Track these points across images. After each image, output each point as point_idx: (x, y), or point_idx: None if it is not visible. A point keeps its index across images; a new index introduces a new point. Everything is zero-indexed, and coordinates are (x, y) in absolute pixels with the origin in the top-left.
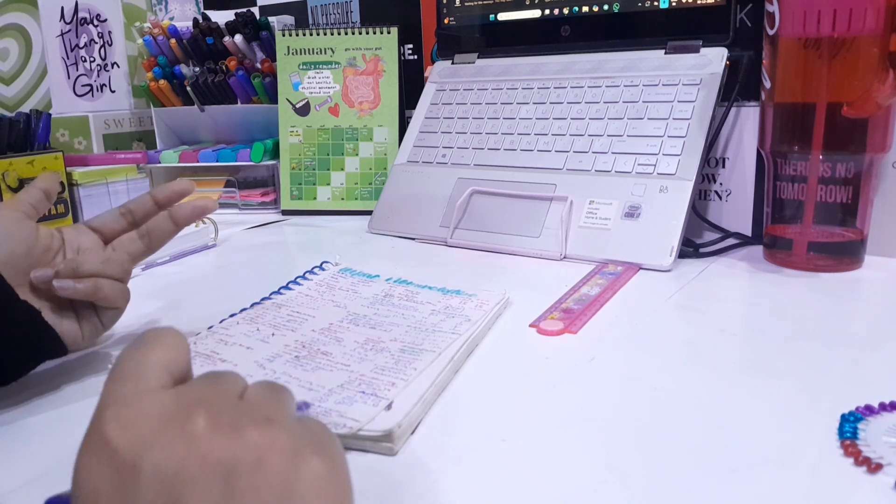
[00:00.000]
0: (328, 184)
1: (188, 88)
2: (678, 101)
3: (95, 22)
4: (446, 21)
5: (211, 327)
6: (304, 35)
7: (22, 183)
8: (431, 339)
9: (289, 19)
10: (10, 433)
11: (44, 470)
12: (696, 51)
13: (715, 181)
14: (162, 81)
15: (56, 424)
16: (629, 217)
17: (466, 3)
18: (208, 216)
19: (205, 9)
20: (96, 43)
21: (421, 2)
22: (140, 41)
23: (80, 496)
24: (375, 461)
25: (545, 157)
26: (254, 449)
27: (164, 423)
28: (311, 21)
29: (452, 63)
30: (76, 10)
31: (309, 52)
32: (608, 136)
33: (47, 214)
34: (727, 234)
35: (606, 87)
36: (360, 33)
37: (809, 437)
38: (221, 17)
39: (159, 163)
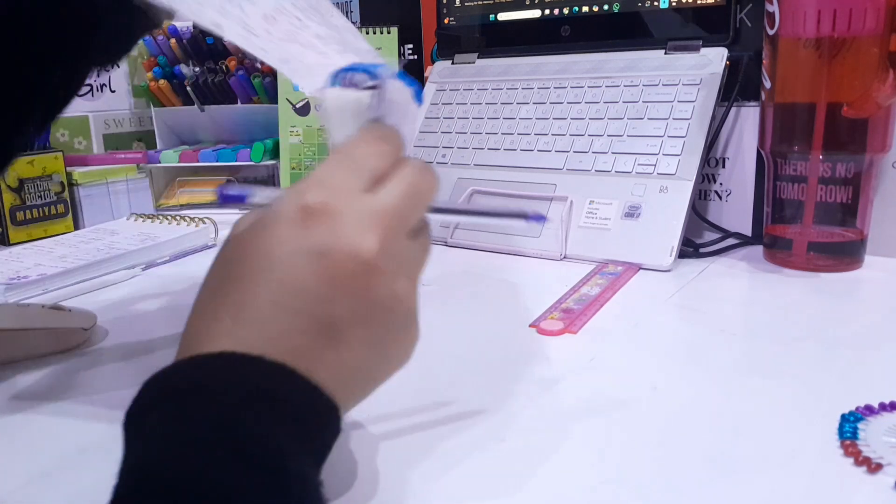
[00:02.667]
0: None
1: (188, 88)
2: (678, 101)
3: None
4: (446, 21)
5: None
6: None
7: (22, 183)
8: None
9: None
10: (11, 433)
11: (44, 470)
12: (696, 51)
13: (715, 181)
14: (162, 81)
15: (56, 424)
16: (629, 217)
17: (466, 3)
18: (208, 216)
19: None
20: None
21: (421, 2)
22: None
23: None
24: (375, 461)
25: (545, 157)
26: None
27: (352, 222)
28: None
29: (452, 63)
30: None
31: None
32: (608, 136)
33: (46, 214)
34: (727, 234)
35: (606, 87)
36: (360, 33)
37: (809, 437)
38: None
39: (159, 163)
